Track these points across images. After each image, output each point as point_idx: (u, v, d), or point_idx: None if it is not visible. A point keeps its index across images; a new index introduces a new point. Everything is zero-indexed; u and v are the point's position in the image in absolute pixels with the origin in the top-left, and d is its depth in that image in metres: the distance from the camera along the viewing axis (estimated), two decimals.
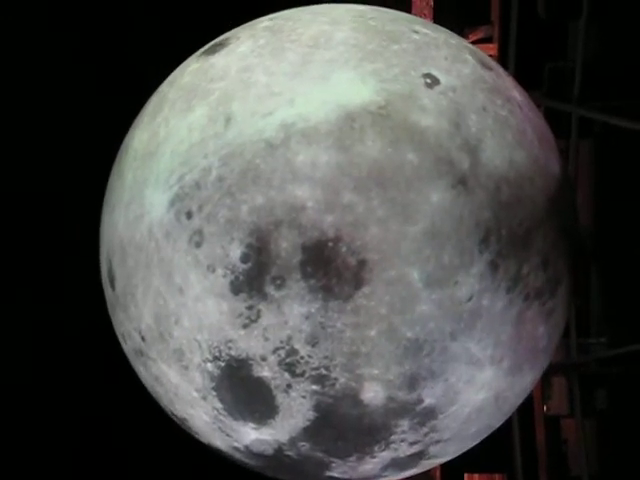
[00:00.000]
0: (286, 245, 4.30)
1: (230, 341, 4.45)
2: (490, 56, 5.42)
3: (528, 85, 5.22)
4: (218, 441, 4.95)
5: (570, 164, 6.48)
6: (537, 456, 7.47)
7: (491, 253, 4.45)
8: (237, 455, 4.98)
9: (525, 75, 6.37)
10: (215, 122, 4.55)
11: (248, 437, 4.76)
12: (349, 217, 4.29)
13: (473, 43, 6.62)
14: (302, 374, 4.42)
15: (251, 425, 4.68)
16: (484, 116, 4.62)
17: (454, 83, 4.64)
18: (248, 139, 4.43)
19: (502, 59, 6.93)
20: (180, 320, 4.55)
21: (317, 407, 4.50)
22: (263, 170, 4.37)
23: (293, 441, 4.68)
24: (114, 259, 4.87)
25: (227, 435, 4.83)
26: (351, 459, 4.77)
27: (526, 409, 7.20)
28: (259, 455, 4.86)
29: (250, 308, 4.37)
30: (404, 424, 4.60)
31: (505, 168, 4.56)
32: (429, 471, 7.03)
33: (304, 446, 4.69)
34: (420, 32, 4.88)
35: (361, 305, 4.31)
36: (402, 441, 4.69)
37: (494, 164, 4.52)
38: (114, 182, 4.95)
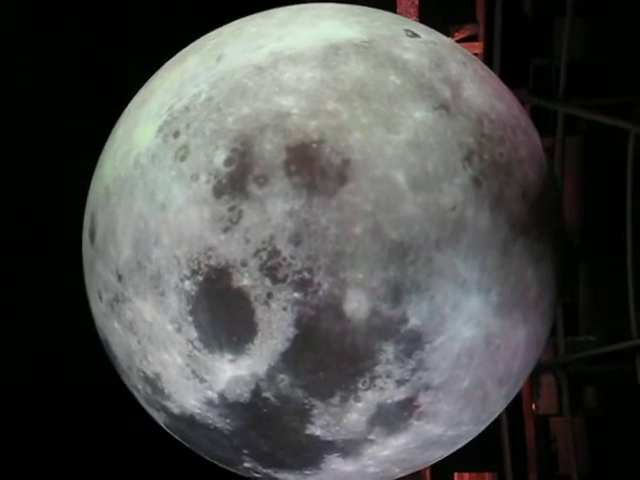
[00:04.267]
0: (270, 147, 4.34)
1: (210, 249, 4.33)
2: (475, 54, 5.70)
3: (514, 83, 5.43)
4: (191, 397, 4.62)
5: (556, 161, 6.54)
6: (527, 455, 6.94)
7: (474, 170, 4.47)
8: (211, 415, 4.62)
9: (511, 73, 6.57)
10: (207, 61, 4.76)
11: (224, 376, 4.46)
12: (333, 122, 4.37)
13: (459, 41, 6.94)
14: (284, 279, 4.25)
15: (228, 357, 4.40)
16: (464, 68, 4.83)
17: (434, 40, 4.92)
18: (238, 66, 4.62)
19: (487, 57, 7.18)
20: (160, 239, 4.45)
21: (298, 322, 4.27)
22: (251, 87, 4.51)
23: (272, 374, 4.38)
24: (97, 208, 4.84)
25: (201, 381, 4.52)
26: (334, 401, 4.43)
27: (515, 408, 6.78)
28: (235, 405, 4.52)
29: (232, 209, 4.31)
30: (388, 350, 4.34)
31: (486, 108, 4.69)
32: (419, 471, 6.44)
33: (283, 381, 4.38)
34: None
35: (346, 201, 4.26)
36: (388, 377, 4.40)
37: (475, 101, 4.67)
38: (107, 144, 5.04)
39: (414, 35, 4.86)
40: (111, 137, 5.01)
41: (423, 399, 4.53)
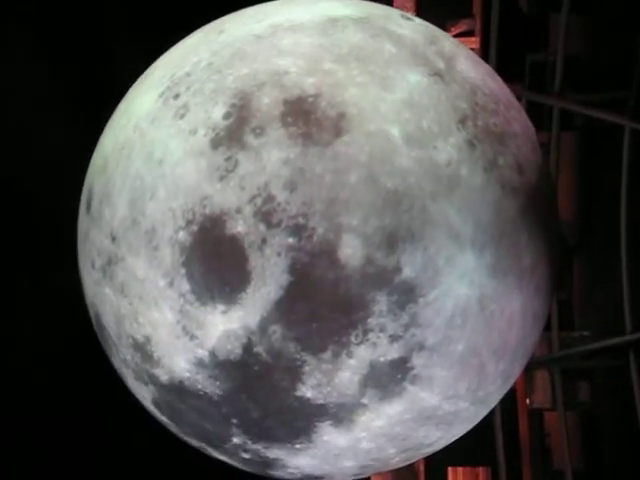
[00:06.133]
0: (268, 101, 4.42)
1: (205, 198, 4.35)
2: (472, 49, 5.83)
3: (510, 78, 5.52)
4: (181, 358, 4.53)
5: (552, 156, 6.53)
6: (520, 449, 6.66)
7: (468, 133, 4.54)
8: (200, 378, 4.52)
9: (507, 68, 6.63)
10: (209, 36, 4.91)
11: (215, 331, 4.39)
12: (329, 79, 4.47)
13: (455, 36, 7.03)
14: (278, 224, 4.26)
15: (220, 308, 4.35)
16: (457, 48, 4.99)
17: (427, 25, 5.09)
18: (239, 36, 4.76)
19: (484, 52, 7.24)
20: (156, 193, 4.48)
21: (292, 268, 4.25)
22: (250, 52, 4.64)
23: (264, 325, 4.31)
24: (95, 178, 4.89)
25: (191, 338, 4.45)
26: (326, 357, 4.35)
27: (509, 402, 6.57)
28: (225, 364, 4.43)
29: (228, 159, 4.35)
30: (382, 300, 4.29)
31: (479, 81, 4.81)
32: (413, 465, 6.16)
33: (275, 333, 4.31)
34: None
35: (341, 151, 4.31)
36: (381, 331, 4.33)
37: (469, 74, 4.79)
38: (108, 123, 5.12)
39: (408, 19, 5.04)
40: (113, 116, 5.11)
41: (417, 360, 4.45)
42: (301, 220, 4.25)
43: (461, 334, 4.50)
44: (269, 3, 5.08)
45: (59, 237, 5.24)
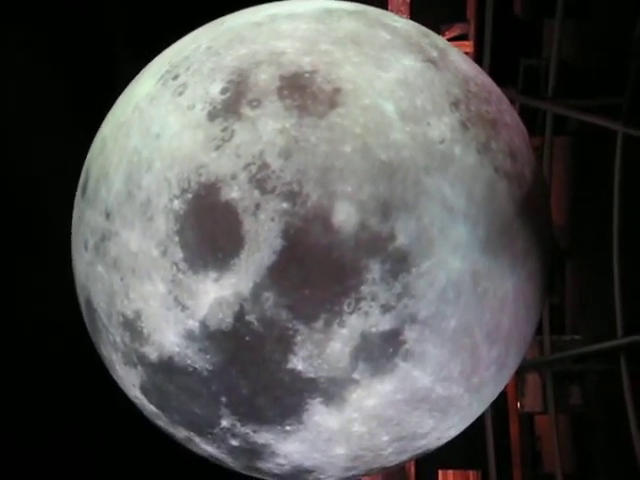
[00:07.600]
0: (265, 77, 4.52)
1: (201, 167, 4.39)
2: (466, 53, 5.95)
3: (503, 82, 5.63)
4: (171, 332, 4.48)
5: (545, 160, 6.53)
6: (511, 453, 6.43)
7: (462, 115, 4.62)
8: (190, 352, 4.46)
9: (500, 72, 6.69)
10: (209, 27, 5.05)
11: (207, 299, 4.36)
12: (326, 58, 4.58)
13: (449, 40, 7.09)
14: (272, 190, 4.29)
15: (212, 276, 4.34)
16: (449, 46, 5.13)
17: (421, 25, 5.24)
18: (238, 25, 4.90)
19: (478, 56, 7.29)
20: (152, 165, 4.52)
21: (285, 233, 4.26)
22: (248, 36, 4.77)
23: (256, 292, 4.29)
24: (92, 160, 4.94)
25: (183, 309, 4.42)
26: (318, 326, 4.31)
27: (500, 406, 6.39)
28: (216, 335, 4.38)
29: (224, 130, 4.41)
30: (375, 268, 4.29)
31: (472, 74, 4.93)
32: (404, 467, 5.93)
33: (268, 300, 4.29)
34: None
35: (335, 123, 4.38)
36: (373, 299, 4.31)
37: (461, 66, 4.91)
38: (108, 114, 5.19)
39: (402, 18, 5.20)
40: (113, 106, 5.19)
41: (409, 333, 4.41)
42: (295, 187, 4.29)
43: (454, 309, 4.47)
44: (269, 3, 5.24)
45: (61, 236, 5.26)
